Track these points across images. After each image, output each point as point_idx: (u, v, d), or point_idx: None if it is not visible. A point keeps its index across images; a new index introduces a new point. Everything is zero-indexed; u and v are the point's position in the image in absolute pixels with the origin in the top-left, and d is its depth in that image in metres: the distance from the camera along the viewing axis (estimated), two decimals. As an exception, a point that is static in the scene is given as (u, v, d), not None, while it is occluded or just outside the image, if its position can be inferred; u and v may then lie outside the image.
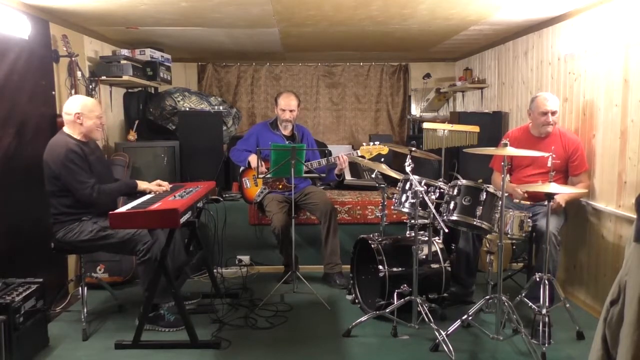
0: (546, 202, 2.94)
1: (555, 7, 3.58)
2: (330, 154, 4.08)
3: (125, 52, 4.77)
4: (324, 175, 4.04)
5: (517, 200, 3.43)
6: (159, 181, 3.41)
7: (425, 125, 4.37)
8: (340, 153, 4.00)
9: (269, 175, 3.86)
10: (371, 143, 3.96)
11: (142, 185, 3.30)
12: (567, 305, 3.09)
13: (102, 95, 4.57)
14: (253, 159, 4.10)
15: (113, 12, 3.68)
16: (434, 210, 2.96)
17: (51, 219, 3.13)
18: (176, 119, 5.00)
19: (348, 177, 5.10)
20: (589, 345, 1.77)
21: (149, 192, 3.30)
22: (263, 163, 3.89)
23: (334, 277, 4.01)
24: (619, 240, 3.20)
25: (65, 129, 3.16)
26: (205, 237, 4.19)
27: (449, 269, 3.40)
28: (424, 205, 3.12)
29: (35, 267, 3.21)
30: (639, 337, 1.50)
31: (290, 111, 4.11)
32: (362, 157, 3.93)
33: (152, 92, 5.48)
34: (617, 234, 3.23)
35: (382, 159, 3.75)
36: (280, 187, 4.13)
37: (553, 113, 3.45)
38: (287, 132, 4.21)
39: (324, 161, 4.00)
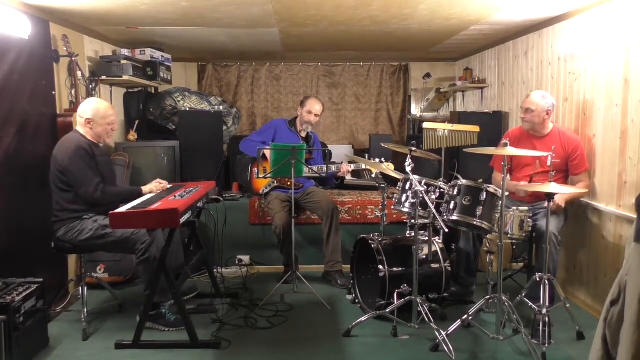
0: (546, 202, 2.94)
1: (555, 7, 3.58)
2: (330, 154, 4.09)
3: (125, 52, 4.77)
4: (324, 174, 4.08)
5: (522, 193, 3.44)
6: (158, 180, 3.43)
7: (426, 125, 4.36)
8: (344, 163, 4.10)
9: (269, 175, 3.87)
10: (377, 159, 3.94)
11: (146, 189, 3.32)
12: (568, 305, 3.09)
13: (102, 95, 4.57)
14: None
15: (113, 12, 3.68)
16: (434, 210, 2.95)
17: (53, 217, 3.13)
18: (176, 119, 5.00)
19: (348, 177, 5.10)
20: (589, 346, 1.77)
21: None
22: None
23: (334, 276, 4.02)
24: (619, 240, 3.20)
25: (78, 128, 3.22)
26: (205, 237, 4.19)
27: (449, 269, 3.40)
28: (424, 205, 3.11)
29: (35, 267, 3.22)
30: (639, 337, 1.50)
31: (315, 115, 4.19)
32: (368, 170, 3.99)
33: (152, 92, 5.48)
34: (617, 234, 3.23)
35: (383, 159, 3.75)
36: (289, 183, 4.14)
37: (526, 110, 3.46)
38: (303, 134, 4.26)
39: (333, 167, 4.09)
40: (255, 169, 4.25)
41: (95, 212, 3.13)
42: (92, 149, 3.14)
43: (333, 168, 4.12)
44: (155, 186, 3.37)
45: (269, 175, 3.89)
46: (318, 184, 4.55)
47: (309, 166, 3.98)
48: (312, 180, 4.34)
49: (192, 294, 3.69)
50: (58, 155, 3.08)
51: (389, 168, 3.84)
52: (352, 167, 4.14)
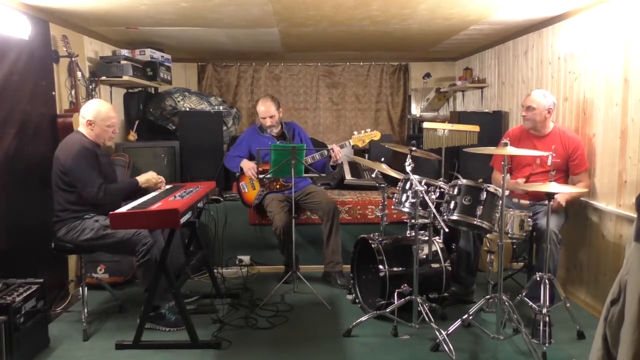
0: (546, 201, 2.94)
1: (555, 6, 3.58)
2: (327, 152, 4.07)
3: (125, 52, 4.77)
4: (324, 174, 4.06)
5: (521, 193, 3.45)
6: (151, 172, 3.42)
7: (426, 124, 4.36)
8: (333, 145, 3.96)
9: (269, 176, 3.85)
10: (362, 131, 3.97)
11: (141, 179, 3.32)
12: (568, 304, 3.09)
13: (102, 96, 4.57)
14: (244, 164, 4.12)
15: (113, 12, 3.68)
16: (434, 210, 2.95)
17: (53, 217, 3.13)
18: (176, 119, 5.00)
19: (348, 176, 5.10)
20: (590, 345, 1.77)
21: (149, 185, 3.34)
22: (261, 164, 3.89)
23: (334, 276, 4.01)
24: (620, 240, 3.20)
25: (81, 128, 3.23)
26: (205, 237, 4.19)
27: (450, 268, 3.40)
28: (424, 205, 3.11)
29: (35, 268, 3.22)
30: (639, 336, 1.50)
31: (270, 117, 4.07)
32: (356, 145, 3.99)
33: (152, 92, 5.49)
34: (617, 233, 3.23)
35: (383, 159, 3.76)
36: (278, 186, 4.12)
37: (528, 108, 3.47)
38: (275, 133, 4.19)
39: (317, 155, 3.94)
40: (242, 182, 4.22)
41: (96, 212, 3.13)
42: (95, 149, 3.15)
43: (318, 156, 3.93)
44: (149, 177, 3.35)
45: (268, 176, 3.87)
46: (313, 180, 4.46)
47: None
48: (308, 179, 4.28)
49: (193, 298, 3.64)
50: (60, 156, 3.08)
51: (375, 137, 3.93)
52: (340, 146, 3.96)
